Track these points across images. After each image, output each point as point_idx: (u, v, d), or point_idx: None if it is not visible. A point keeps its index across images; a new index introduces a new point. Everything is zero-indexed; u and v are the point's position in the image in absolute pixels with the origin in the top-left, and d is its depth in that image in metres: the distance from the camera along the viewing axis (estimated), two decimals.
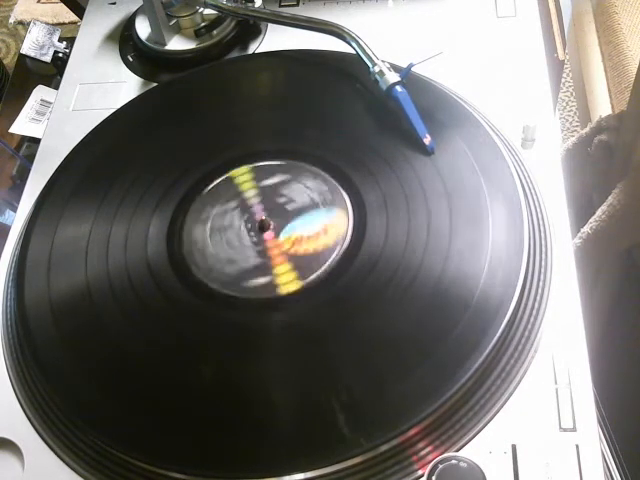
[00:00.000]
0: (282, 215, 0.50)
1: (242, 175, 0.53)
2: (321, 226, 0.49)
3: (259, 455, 0.41)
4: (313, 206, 0.50)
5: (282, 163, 0.53)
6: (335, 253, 0.48)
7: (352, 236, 0.48)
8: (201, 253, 0.50)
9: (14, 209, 0.58)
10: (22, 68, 0.99)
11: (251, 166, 0.53)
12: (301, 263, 0.48)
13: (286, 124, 0.57)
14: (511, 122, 0.53)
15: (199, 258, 0.49)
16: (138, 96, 0.62)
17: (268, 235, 0.50)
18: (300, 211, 0.50)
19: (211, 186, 0.53)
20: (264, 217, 0.50)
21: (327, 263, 0.47)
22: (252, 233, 0.50)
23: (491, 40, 0.60)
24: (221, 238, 0.50)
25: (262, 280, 0.47)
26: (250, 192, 0.52)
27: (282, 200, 0.51)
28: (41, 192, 0.56)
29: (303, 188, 0.51)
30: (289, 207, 0.51)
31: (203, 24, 0.64)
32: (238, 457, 0.41)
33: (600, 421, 0.42)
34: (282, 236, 0.49)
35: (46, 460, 0.44)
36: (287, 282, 0.47)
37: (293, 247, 0.49)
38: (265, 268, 0.48)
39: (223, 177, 0.53)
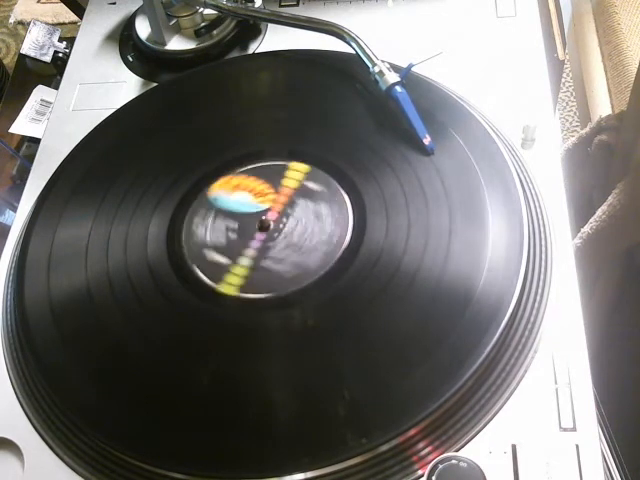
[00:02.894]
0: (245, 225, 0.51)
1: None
2: (242, 193, 0.50)
3: (260, 455, 0.41)
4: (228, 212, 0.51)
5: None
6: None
7: (352, 236, 0.48)
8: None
9: (14, 209, 0.58)
10: (22, 68, 0.99)
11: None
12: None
13: (286, 124, 0.57)
14: (511, 122, 0.53)
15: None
16: (138, 96, 0.62)
17: (259, 235, 0.50)
18: (235, 215, 0.51)
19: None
20: (267, 218, 0.50)
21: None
22: (253, 230, 0.50)
23: (491, 40, 0.60)
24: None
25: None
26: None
27: (230, 233, 0.51)
28: (41, 192, 0.56)
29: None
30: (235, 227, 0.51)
31: (203, 24, 0.64)
32: (238, 457, 0.41)
33: (600, 421, 0.42)
34: (273, 243, 0.49)
35: (46, 460, 0.44)
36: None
37: (268, 193, 0.50)
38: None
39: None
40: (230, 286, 0.47)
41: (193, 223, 0.51)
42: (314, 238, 0.49)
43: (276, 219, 0.50)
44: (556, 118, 1.25)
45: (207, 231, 0.50)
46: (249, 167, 0.53)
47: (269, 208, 0.51)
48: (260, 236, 0.50)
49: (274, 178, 0.52)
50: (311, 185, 0.52)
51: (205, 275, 0.48)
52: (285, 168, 0.53)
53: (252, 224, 0.50)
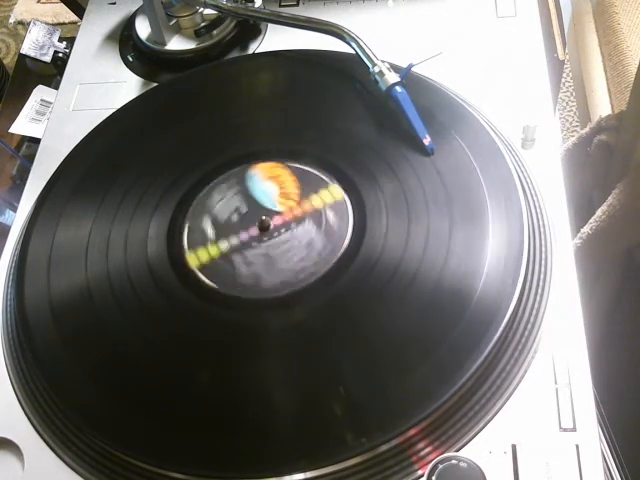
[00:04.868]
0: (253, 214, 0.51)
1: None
2: (269, 181, 0.51)
3: (259, 455, 0.41)
4: (245, 192, 0.51)
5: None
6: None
7: (352, 236, 0.48)
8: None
9: (14, 209, 0.58)
10: (22, 68, 0.99)
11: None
12: (309, 187, 0.49)
13: (286, 124, 0.57)
14: (511, 122, 0.53)
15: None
16: (138, 96, 0.62)
17: (253, 231, 0.50)
18: (251, 201, 0.51)
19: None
20: (269, 221, 0.50)
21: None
22: (251, 219, 0.50)
23: (491, 40, 0.60)
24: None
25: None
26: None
27: (235, 217, 0.51)
28: (41, 192, 0.56)
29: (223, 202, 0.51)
30: (244, 211, 0.51)
31: (203, 24, 0.64)
32: (238, 457, 0.41)
33: (600, 421, 0.42)
34: (278, 208, 0.50)
35: (46, 460, 0.44)
36: (332, 194, 0.49)
37: (292, 197, 0.50)
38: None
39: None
40: (196, 260, 0.48)
41: (217, 189, 0.52)
42: (291, 261, 0.48)
43: (277, 226, 0.50)
44: (556, 118, 1.25)
45: (220, 201, 0.51)
46: (299, 166, 0.53)
47: (280, 212, 0.51)
48: (253, 232, 0.50)
49: (309, 188, 0.52)
50: (330, 213, 0.50)
51: (187, 238, 0.49)
52: (325, 185, 0.52)
53: (256, 218, 0.50)
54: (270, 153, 0.54)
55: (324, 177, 0.52)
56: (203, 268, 0.48)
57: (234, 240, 0.50)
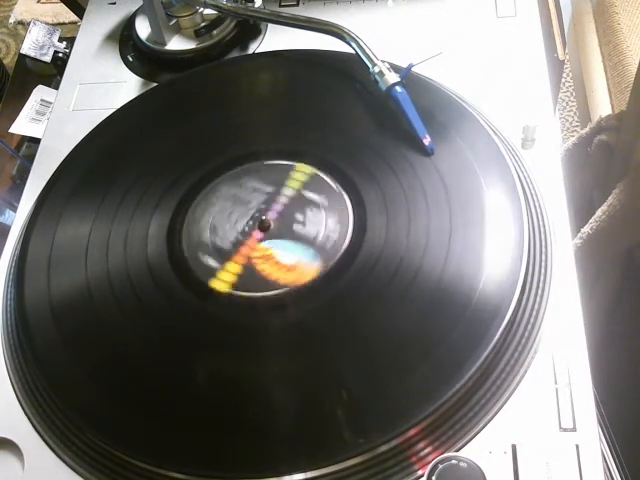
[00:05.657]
0: (284, 228, 0.50)
1: (299, 172, 0.52)
2: (294, 262, 0.48)
3: (259, 455, 0.41)
4: (309, 242, 0.49)
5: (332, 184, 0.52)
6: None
7: (352, 236, 0.48)
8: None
9: (14, 209, 0.58)
10: (22, 68, 0.99)
11: (314, 169, 0.52)
12: (249, 276, 0.48)
13: (286, 124, 0.57)
14: (511, 122, 0.53)
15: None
16: (138, 96, 0.62)
17: (257, 234, 0.50)
18: (298, 238, 0.50)
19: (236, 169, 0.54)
20: (269, 219, 0.50)
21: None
22: (250, 223, 0.50)
23: (491, 40, 0.60)
24: (224, 237, 0.50)
25: (211, 263, 0.48)
26: (287, 190, 0.52)
27: (297, 217, 0.50)
28: (41, 192, 0.56)
29: (322, 220, 0.50)
30: (295, 227, 0.50)
31: (203, 24, 0.64)
32: (238, 457, 0.41)
33: (600, 421, 0.42)
34: (263, 244, 0.49)
35: (46, 460, 0.44)
36: (222, 281, 0.47)
37: (258, 259, 0.49)
38: (223, 256, 0.49)
39: (292, 163, 0.53)
40: (223, 283, 0.48)
41: (193, 222, 0.51)
42: (315, 229, 0.49)
43: (276, 218, 0.50)
44: (556, 118, 1.25)
45: (209, 224, 0.51)
46: (256, 163, 0.53)
47: (268, 208, 0.51)
48: (258, 235, 0.50)
49: (279, 178, 0.52)
50: (313, 189, 0.51)
51: (199, 272, 0.48)
52: (291, 169, 0.53)
53: (252, 223, 0.50)
54: (270, 153, 0.54)
55: (283, 162, 0.53)
56: (234, 286, 0.47)
57: (246, 250, 0.49)
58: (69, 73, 0.66)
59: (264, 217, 0.50)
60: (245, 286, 0.47)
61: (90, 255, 0.51)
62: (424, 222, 0.47)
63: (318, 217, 0.50)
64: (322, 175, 0.52)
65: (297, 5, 0.67)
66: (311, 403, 0.42)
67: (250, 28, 0.65)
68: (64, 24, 1.58)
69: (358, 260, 0.47)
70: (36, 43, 0.87)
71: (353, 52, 0.56)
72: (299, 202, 0.51)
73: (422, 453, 0.40)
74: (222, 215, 0.51)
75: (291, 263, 0.48)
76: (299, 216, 0.50)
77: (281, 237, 0.49)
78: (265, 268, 0.48)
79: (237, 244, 0.50)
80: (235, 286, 0.47)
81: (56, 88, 0.88)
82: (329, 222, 0.49)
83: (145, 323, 0.48)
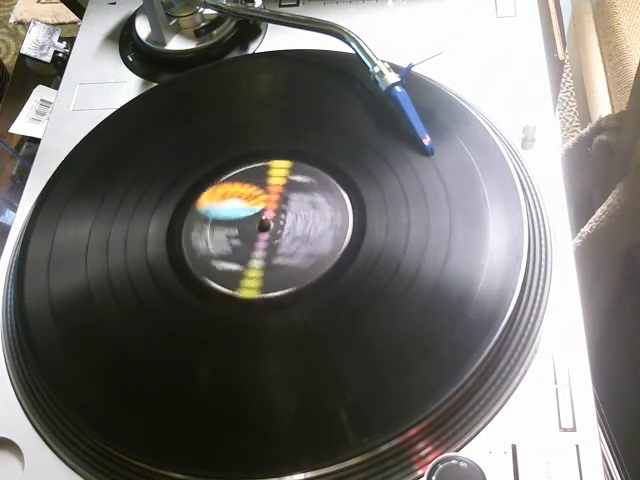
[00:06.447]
0: (281, 223, 0.50)
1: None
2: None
3: (260, 455, 0.41)
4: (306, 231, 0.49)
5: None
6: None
7: (352, 236, 0.48)
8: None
9: (14, 209, 0.58)
10: (22, 68, 0.99)
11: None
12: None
13: (286, 124, 0.57)
14: (511, 122, 0.53)
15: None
16: (138, 96, 0.62)
17: (264, 236, 0.50)
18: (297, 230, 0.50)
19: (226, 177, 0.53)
20: (266, 218, 0.50)
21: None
22: (255, 232, 0.50)
23: (491, 40, 0.60)
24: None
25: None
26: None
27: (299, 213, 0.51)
28: (41, 192, 0.56)
29: (322, 220, 0.50)
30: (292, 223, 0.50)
31: (203, 24, 0.64)
32: (239, 457, 0.41)
33: (600, 421, 0.42)
34: (277, 241, 0.49)
35: (46, 460, 0.44)
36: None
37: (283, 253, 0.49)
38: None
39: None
40: (250, 290, 0.47)
41: (192, 238, 0.50)
42: (318, 227, 0.49)
43: (274, 217, 0.50)
44: (556, 118, 1.25)
45: (209, 244, 0.50)
46: (230, 175, 0.53)
47: (264, 208, 0.51)
48: (264, 236, 0.50)
49: (259, 179, 0.52)
50: (298, 178, 0.52)
51: (220, 285, 0.48)
52: (267, 168, 0.53)
53: (252, 226, 0.50)
54: (270, 153, 0.54)
55: (256, 164, 0.53)
56: (262, 290, 0.47)
57: (258, 253, 0.49)
58: (69, 73, 0.66)
59: (263, 217, 0.50)
60: (269, 287, 0.47)
61: (90, 255, 0.51)
62: (424, 222, 0.47)
63: (318, 217, 0.50)
64: (322, 175, 0.52)
65: (297, 5, 0.67)
66: (311, 403, 0.42)
67: (250, 28, 0.65)
68: (64, 24, 1.58)
69: (358, 260, 0.47)
70: (36, 43, 0.87)
71: (353, 52, 0.56)
72: (299, 202, 0.51)
73: (422, 453, 0.40)
74: (219, 225, 0.51)
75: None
76: (299, 213, 0.50)
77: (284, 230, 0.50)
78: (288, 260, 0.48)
79: (244, 250, 0.49)
80: (261, 289, 0.47)
81: (56, 88, 0.88)
82: (329, 222, 0.49)
83: (145, 323, 0.48)
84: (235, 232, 0.50)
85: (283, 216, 0.50)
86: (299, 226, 0.50)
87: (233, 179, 0.53)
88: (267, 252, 0.49)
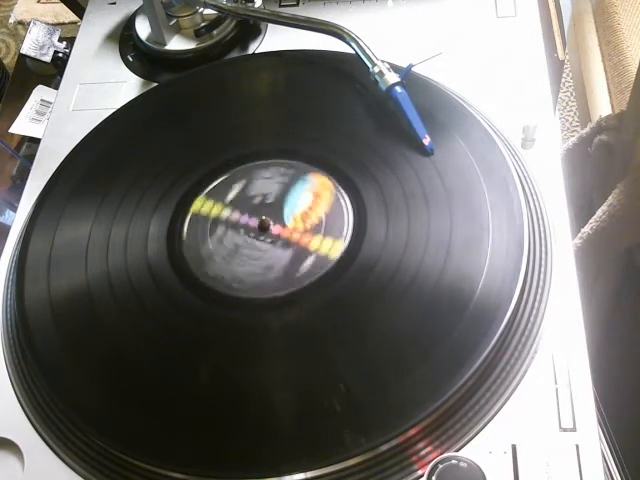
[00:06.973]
0: (271, 208, 0.51)
1: (204, 205, 0.52)
2: (310, 194, 0.50)
3: (259, 455, 0.41)
4: (287, 186, 0.50)
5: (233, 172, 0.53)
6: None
7: (352, 236, 0.48)
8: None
9: (14, 209, 0.58)
10: (22, 68, 0.99)
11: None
12: (325, 227, 0.49)
13: (286, 124, 0.57)
14: (511, 122, 0.53)
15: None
16: (138, 96, 0.62)
17: (276, 229, 0.50)
18: (281, 197, 0.51)
19: (212, 185, 0.53)
20: (266, 218, 0.50)
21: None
22: (261, 237, 0.50)
23: (491, 40, 0.60)
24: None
25: (308, 263, 0.48)
26: (227, 210, 0.52)
27: (258, 199, 0.51)
28: (41, 192, 0.56)
29: (263, 181, 0.51)
30: (269, 200, 0.51)
31: (203, 24, 0.64)
32: (238, 457, 0.41)
33: (600, 421, 0.42)
34: (288, 222, 0.50)
35: (46, 460, 0.44)
36: (330, 248, 0.48)
37: (306, 222, 0.49)
38: (301, 254, 0.48)
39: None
40: (250, 290, 0.47)
41: (192, 238, 0.51)
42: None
43: (274, 217, 0.50)
44: (556, 118, 1.25)
45: (209, 243, 0.50)
46: (230, 174, 0.54)
47: (285, 226, 0.50)
48: (264, 236, 0.50)
49: (325, 229, 0.51)
50: (298, 178, 0.52)
51: (220, 285, 0.48)
52: (267, 167, 0.54)
53: (252, 226, 0.50)
54: (270, 153, 0.54)
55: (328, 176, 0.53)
56: (261, 290, 0.47)
57: (235, 215, 0.50)
58: (69, 73, 0.66)
59: (263, 217, 0.50)
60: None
61: (90, 255, 0.51)
62: (424, 222, 0.47)
63: (318, 217, 0.50)
64: (322, 175, 0.52)
65: (297, 5, 0.67)
66: (311, 403, 0.42)
67: (250, 28, 0.65)
68: (64, 24, 1.58)
69: (358, 260, 0.47)
70: (36, 43, 0.87)
71: (353, 52, 0.56)
72: (299, 202, 0.51)
73: (422, 453, 0.40)
74: (253, 190, 0.51)
75: (311, 197, 0.49)
76: (299, 213, 0.50)
77: (281, 209, 0.50)
78: (317, 214, 0.49)
79: (235, 221, 0.50)
80: (261, 289, 0.47)
81: (56, 88, 0.88)
82: (328, 222, 0.49)
83: (145, 323, 0.48)
84: (235, 232, 0.50)
85: (283, 216, 0.50)
86: (299, 226, 0.50)
87: (233, 179, 0.53)
88: (267, 252, 0.49)
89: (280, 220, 0.50)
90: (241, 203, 0.52)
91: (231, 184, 0.53)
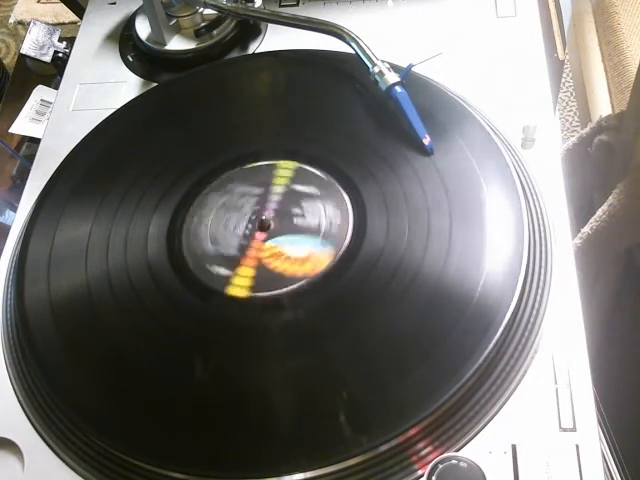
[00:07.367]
0: (285, 223, 0.50)
1: (283, 169, 0.53)
2: (306, 254, 0.48)
3: (259, 455, 0.41)
4: (314, 232, 0.49)
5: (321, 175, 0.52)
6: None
7: (352, 236, 0.48)
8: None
9: (14, 209, 0.58)
10: (22, 68, 0.99)
11: (297, 164, 0.53)
12: (263, 276, 0.47)
13: (286, 124, 0.57)
14: (511, 122, 0.53)
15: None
16: (138, 96, 0.62)
17: (260, 235, 0.50)
18: (301, 230, 0.50)
19: (212, 185, 0.53)
20: (267, 217, 0.50)
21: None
22: (250, 226, 0.50)
23: (491, 40, 0.60)
24: (222, 236, 0.50)
25: (222, 271, 0.48)
26: (276, 188, 0.52)
27: (295, 211, 0.50)
28: (41, 192, 0.56)
29: (321, 210, 0.50)
30: (296, 221, 0.50)
31: (203, 24, 0.64)
32: (238, 456, 0.41)
33: (600, 421, 0.42)
34: (269, 243, 0.49)
35: (46, 460, 0.44)
36: (239, 286, 0.47)
37: (269, 258, 0.48)
38: (233, 262, 0.48)
39: (261, 163, 0.53)
40: (250, 290, 0.47)
41: (192, 238, 0.50)
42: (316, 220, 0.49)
43: (274, 217, 0.50)
44: (556, 118, 1.25)
45: (209, 243, 0.50)
46: (229, 174, 0.53)
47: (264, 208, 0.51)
48: (264, 236, 0.50)
49: (259, 178, 0.52)
50: (298, 178, 0.52)
51: (220, 284, 0.48)
52: (267, 167, 0.53)
53: (252, 226, 0.50)
54: (270, 153, 0.54)
55: (265, 162, 0.53)
56: (253, 289, 0.47)
57: (236, 215, 0.50)
58: (69, 73, 0.66)
59: (263, 217, 0.50)
60: (262, 287, 0.47)
61: (90, 255, 0.51)
62: (424, 222, 0.47)
63: (317, 217, 0.50)
64: (322, 175, 0.52)
65: (297, 5, 0.67)
66: (311, 403, 0.42)
67: (250, 28, 0.65)
68: (64, 24, 1.58)
69: (358, 260, 0.47)
70: (36, 43, 0.87)
71: (353, 52, 0.56)
72: (298, 202, 0.51)
73: (422, 453, 0.40)
74: (219, 224, 0.51)
75: (303, 255, 0.48)
76: (298, 213, 0.50)
77: (284, 234, 0.49)
78: (278, 265, 0.48)
79: (242, 248, 0.49)
80: (253, 289, 0.47)
81: (56, 88, 0.88)
82: (328, 222, 0.49)
83: (145, 323, 0.48)
84: (235, 232, 0.50)
85: (283, 216, 0.50)
86: (299, 226, 0.50)
87: (233, 179, 0.53)
88: (267, 252, 0.49)
89: (272, 234, 0.50)
90: (241, 204, 0.51)
91: (231, 184, 0.53)
